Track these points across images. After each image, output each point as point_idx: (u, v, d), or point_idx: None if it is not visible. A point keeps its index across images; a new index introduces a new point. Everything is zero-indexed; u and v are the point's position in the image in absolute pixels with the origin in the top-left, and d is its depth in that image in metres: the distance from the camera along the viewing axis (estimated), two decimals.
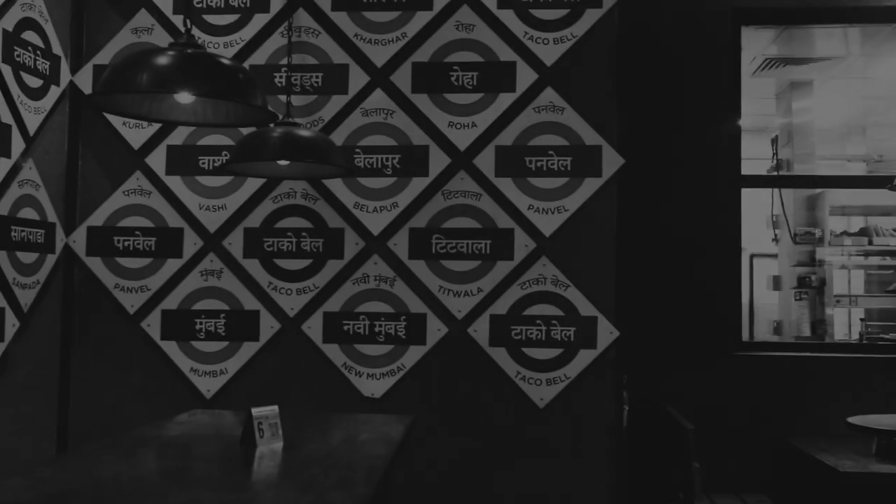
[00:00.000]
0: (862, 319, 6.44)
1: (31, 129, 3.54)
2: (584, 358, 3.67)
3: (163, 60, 1.96)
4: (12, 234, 3.43)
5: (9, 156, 3.39)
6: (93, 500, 1.91)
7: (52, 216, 3.71)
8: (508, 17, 3.76)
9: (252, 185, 3.78)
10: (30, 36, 3.51)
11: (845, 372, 4.63)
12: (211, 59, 2.04)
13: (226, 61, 2.07)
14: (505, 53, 3.75)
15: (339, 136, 3.75)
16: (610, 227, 3.72)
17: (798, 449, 4.23)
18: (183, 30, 2.10)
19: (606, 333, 3.68)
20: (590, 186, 3.68)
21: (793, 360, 4.77)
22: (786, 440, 4.44)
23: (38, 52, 3.58)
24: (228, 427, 2.88)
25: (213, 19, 3.83)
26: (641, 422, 4.60)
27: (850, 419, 3.69)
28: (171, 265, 3.79)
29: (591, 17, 3.73)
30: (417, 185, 3.73)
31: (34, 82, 3.55)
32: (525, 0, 3.76)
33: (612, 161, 3.69)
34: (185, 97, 2.17)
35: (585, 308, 3.67)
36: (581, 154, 3.69)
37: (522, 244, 3.69)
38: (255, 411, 2.55)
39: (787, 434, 4.50)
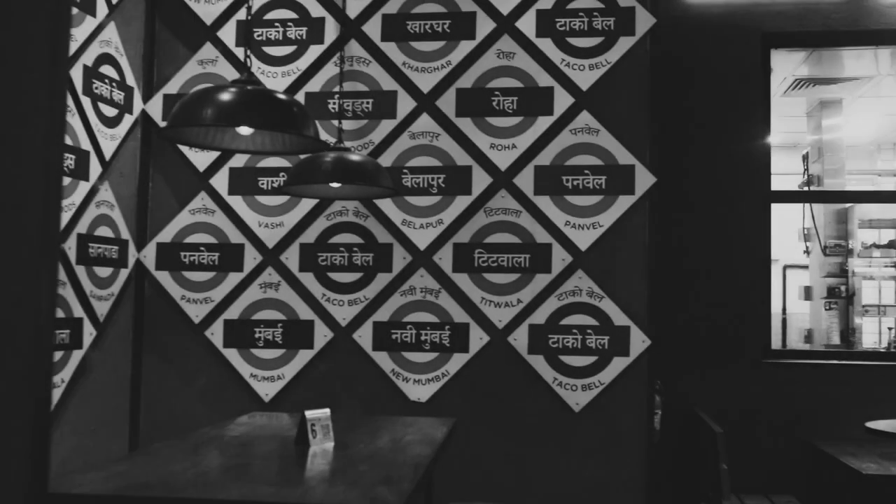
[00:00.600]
0: (890, 328, 6.57)
1: (108, 154, 3.86)
2: (618, 365, 3.89)
3: (225, 97, 2.22)
4: (90, 250, 3.74)
5: (87, 179, 3.71)
6: (164, 491, 2.09)
7: (125, 234, 4.02)
8: (546, 46, 4.00)
9: (307, 204, 4.06)
10: (107, 69, 3.83)
11: (872, 379, 4.80)
12: (268, 95, 2.31)
13: (281, 96, 2.33)
14: (543, 79, 3.99)
15: (388, 158, 4.02)
16: (642, 242, 3.94)
17: (825, 452, 4.41)
18: (244, 61, 2.39)
19: (639, 342, 3.89)
20: (623, 203, 3.90)
21: (821, 368, 4.95)
22: (813, 444, 4.62)
23: (114, 84, 3.90)
24: (285, 428, 3.07)
25: (272, 50, 4.12)
26: (674, 425, 4.81)
27: (869, 424, 3.87)
28: (233, 278, 4.09)
29: (624, 44, 3.96)
30: (461, 202, 3.98)
31: (110, 111, 3.87)
32: (562, 29, 4.00)
33: (644, 179, 3.91)
34: (245, 129, 2.44)
35: (619, 318, 3.89)
36: (615, 173, 3.92)
37: (559, 258, 3.92)
38: (308, 414, 2.74)
39: (814, 438, 4.68)
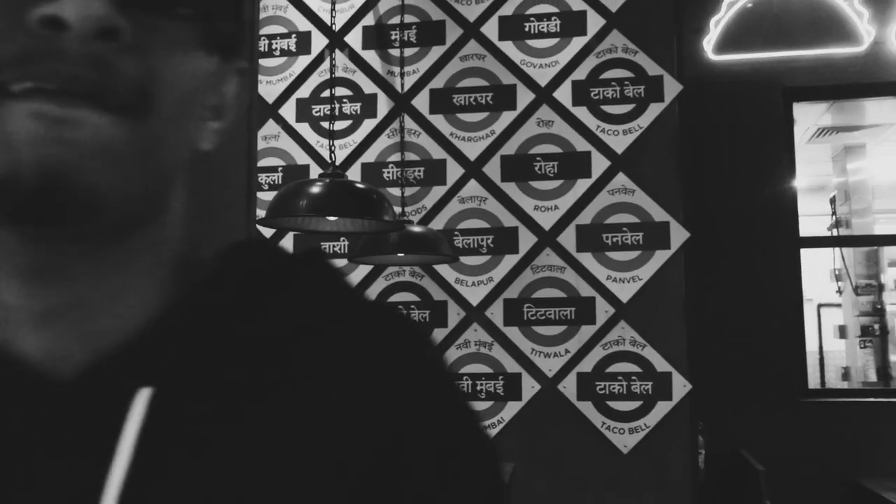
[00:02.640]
0: None
1: None
2: (662, 409, 4.14)
3: (315, 190, 2.58)
4: None
5: None
6: None
7: None
8: (582, 113, 4.34)
9: (366, 266, 4.40)
10: None
11: None
12: (351, 186, 2.66)
13: (361, 186, 2.68)
14: (581, 144, 4.32)
15: (440, 221, 4.36)
16: (679, 292, 4.21)
17: (866, 488, 4.60)
18: (330, 157, 2.74)
19: (680, 386, 4.15)
20: (660, 258, 4.19)
21: (858, 405, 5.16)
22: (855, 480, 4.81)
23: None
24: None
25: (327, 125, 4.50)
26: (718, 465, 5.02)
27: None
28: None
29: (654, 110, 4.28)
30: (509, 261, 4.29)
31: None
32: (596, 98, 4.34)
33: (678, 234, 4.20)
34: (331, 217, 2.80)
35: (661, 364, 4.15)
36: (651, 229, 4.22)
37: (603, 310, 4.21)
38: None
39: (856, 475, 4.87)
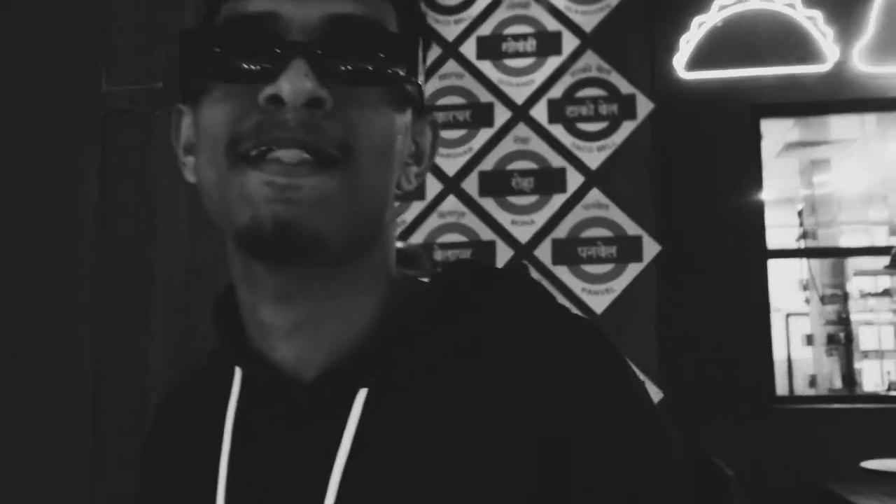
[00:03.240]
0: (889, 372, 6.95)
1: None
2: None
3: None
4: None
5: None
6: None
7: None
8: (558, 131, 4.47)
9: None
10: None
11: (874, 420, 5.16)
12: None
13: None
14: (556, 161, 4.45)
15: (419, 236, 4.46)
16: (651, 304, 4.35)
17: (833, 492, 4.75)
18: None
19: (653, 395, 4.26)
20: (633, 270, 4.33)
21: (825, 412, 5.33)
22: (822, 485, 4.96)
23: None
24: None
25: None
26: (690, 473, 5.16)
27: (863, 463, 4.24)
28: None
29: (627, 127, 4.42)
30: None
31: None
32: (571, 116, 4.47)
33: (651, 248, 4.34)
34: None
35: None
36: (624, 243, 4.35)
37: None
38: None
39: (823, 479, 5.03)
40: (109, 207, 0.99)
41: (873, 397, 6.11)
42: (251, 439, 0.66)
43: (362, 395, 0.62)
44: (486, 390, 0.62)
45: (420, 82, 0.70)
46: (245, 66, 0.60)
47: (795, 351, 9.02)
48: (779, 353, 8.73)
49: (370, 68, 0.62)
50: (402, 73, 0.65)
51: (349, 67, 0.61)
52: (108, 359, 0.94)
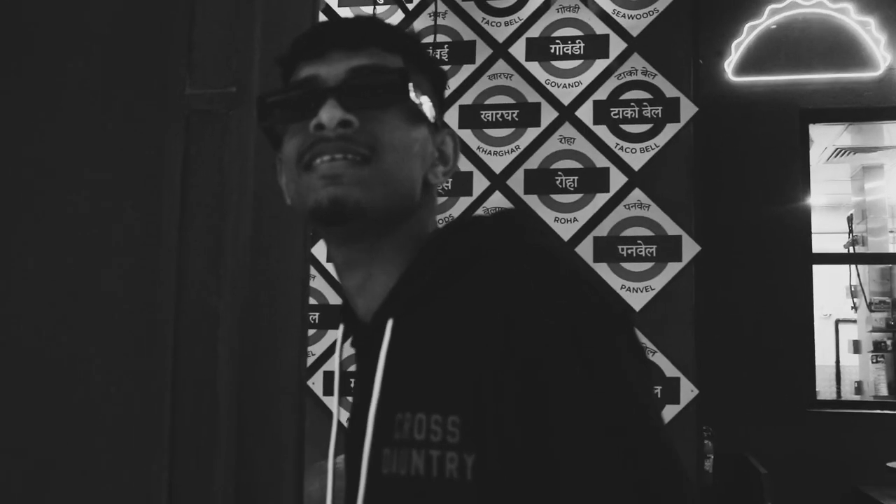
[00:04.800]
0: None
1: None
2: (669, 412, 4.37)
3: None
4: None
5: None
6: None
7: None
8: (602, 132, 4.60)
9: None
10: None
11: None
12: None
13: None
14: (600, 161, 4.58)
15: None
16: (689, 302, 4.46)
17: (865, 494, 4.81)
18: None
19: (688, 391, 4.39)
20: (672, 269, 4.44)
21: (863, 417, 5.37)
22: (856, 487, 5.02)
23: None
24: None
25: None
26: (726, 469, 5.25)
27: (890, 463, 4.30)
28: (331, 335, 4.72)
29: (670, 130, 4.52)
30: None
31: None
32: (616, 117, 4.60)
33: (690, 248, 4.45)
34: None
35: (669, 370, 4.40)
36: (664, 243, 4.46)
37: None
38: None
39: (859, 483, 5.08)
40: (189, 190, 1.20)
41: None
42: (353, 357, 0.99)
43: (390, 324, 0.90)
44: (464, 318, 0.86)
45: (428, 104, 0.97)
46: (300, 110, 0.92)
47: (844, 357, 8.97)
48: (827, 359, 8.70)
49: (382, 97, 0.91)
50: (407, 98, 0.92)
51: (368, 97, 0.90)
52: (187, 311, 1.18)
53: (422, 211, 0.97)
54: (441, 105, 1.04)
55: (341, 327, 1.01)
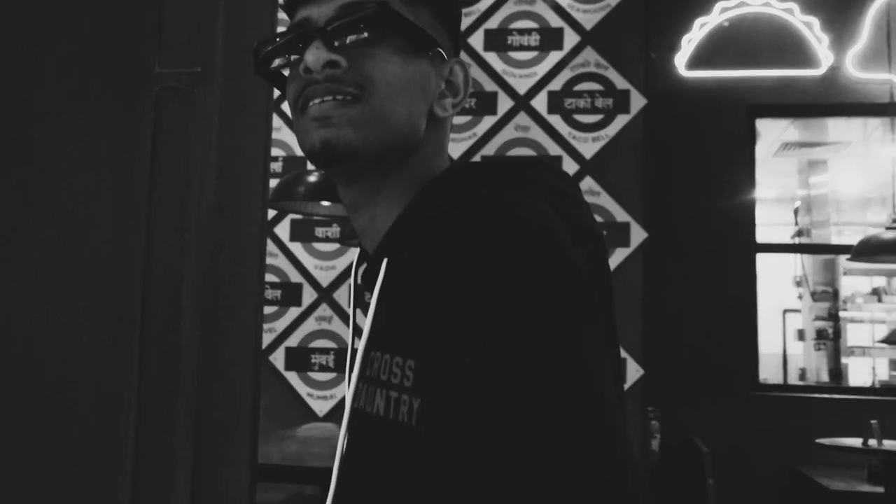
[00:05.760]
0: (873, 368, 7.23)
1: None
2: None
3: (312, 179, 3.04)
4: None
5: None
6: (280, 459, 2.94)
7: None
8: (556, 121, 4.79)
9: (355, 250, 4.82)
10: None
11: (849, 409, 5.44)
12: None
13: None
14: (553, 149, 4.77)
15: None
16: (636, 287, 4.66)
17: (803, 473, 5.05)
18: None
19: (634, 371, 4.60)
20: (620, 255, 4.64)
21: (803, 400, 5.62)
22: (794, 467, 5.26)
23: None
24: None
25: None
26: (672, 450, 5.46)
27: (819, 440, 4.55)
28: (293, 312, 4.87)
29: (621, 120, 4.73)
30: None
31: None
32: (569, 107, 4.78)
33: (637, 234, 4.65)
34: (325, 202, 3.24)
35: None
36: (613, 229, 4.67)
37: None
38: None
39: (797, 463, 5.32)
40: (158, 160, 1.34)
41: (848, 389, 6.40)
42: (360, 287, 1.00)
43: (385, 262, 0.90)
44: (428, 264, 0.83)
45: (428, 35, 0.93)
46: (291, 54, 0.92)
47: (791, 346, 9.27)
48: (774, 347, 8.98)
49: (373, 33, 0.88)
50: (399, 31, 0.89)
51: (356, 34, 0.88)
52: (156, 268, 1.32)
53: (427, 147, 0.93)
54: (451, 36, 0.98)
55: (355, 260, 1.03)
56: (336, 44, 0.87)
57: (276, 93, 1.17)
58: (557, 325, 0.74)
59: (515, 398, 0.71)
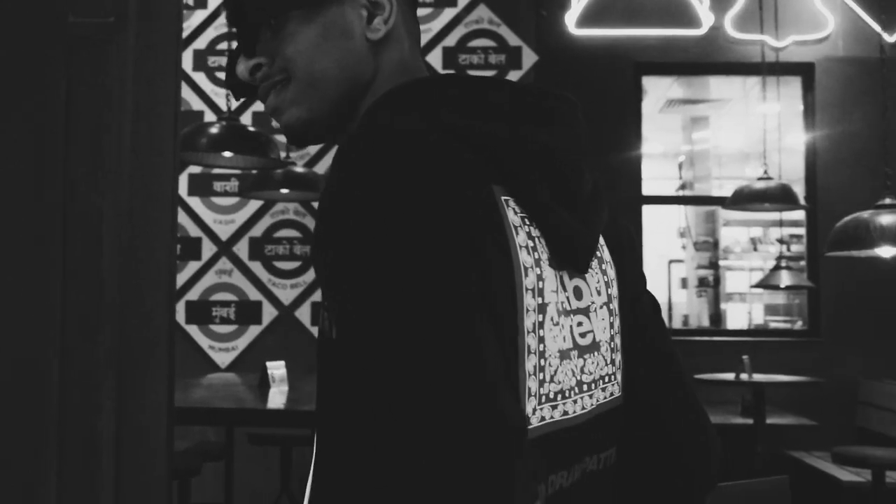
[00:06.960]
0: (749, 312, 7.73)
1: None
2: None
3: (214, 130, 3.10)
4: None
5: None
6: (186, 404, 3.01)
7: None
8: None
9: (254, 204, 4.89)
10: None
11: (724, 351, 5.85)
12: (243, 128, 3.19)
13: (252, 129, 3.21)
14: None
15: (322, 167, 4.88)
16: None
17: None
18: (227, 104, 3.24)
19: None
20: None
21: (683, 343, 6.01)
22: None
23: None
24: (248, 380, 3.93)
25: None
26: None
27: (698, 376, 4.92)
28: (193, 266, 4.89)
29: (513, 77, 4.88)
30: None
31: None
32: (464, 63, 4.92)
33: None
34: (227, 153, 3.31)
35: None
36: None
37: None
38: (268, 364, 3.60)
39: None
40: (73, 107, 1.41)
41: (726, 331, 6.85)
42: None
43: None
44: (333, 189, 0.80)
45: None
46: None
47: (675, 294, 9.75)
48: (660, 296, 9.43)
49: (271, 24, 0.93)
50: (290, 3, 0.92)
51: (262, 33, 0.94)
52: (74, 212, 1.40)
53: (383, 73, 0.94)
54: None
55: None
56: (255, 49, 0.94)
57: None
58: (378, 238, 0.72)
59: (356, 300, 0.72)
